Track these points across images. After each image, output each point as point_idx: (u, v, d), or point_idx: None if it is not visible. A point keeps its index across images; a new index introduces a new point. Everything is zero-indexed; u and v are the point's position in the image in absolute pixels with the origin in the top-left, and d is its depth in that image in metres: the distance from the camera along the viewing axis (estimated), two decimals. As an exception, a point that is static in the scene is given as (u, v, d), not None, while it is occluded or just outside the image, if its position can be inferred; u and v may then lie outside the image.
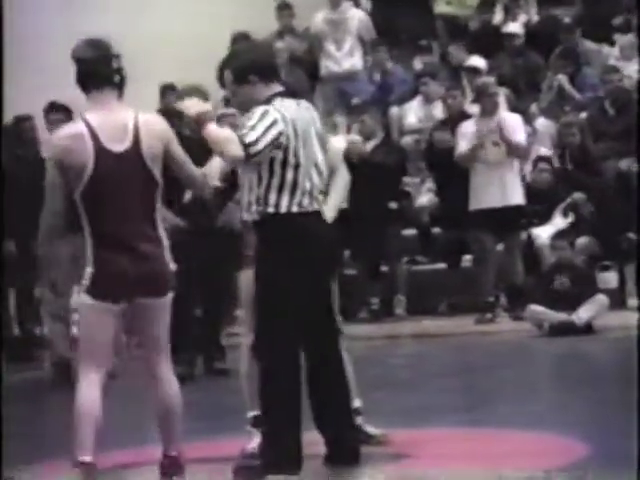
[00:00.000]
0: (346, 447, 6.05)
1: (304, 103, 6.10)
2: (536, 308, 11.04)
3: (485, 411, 7.61)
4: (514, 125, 11.74)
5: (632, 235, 11.68)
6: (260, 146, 5.80)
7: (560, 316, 10.89)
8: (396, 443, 6.42)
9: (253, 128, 5.80)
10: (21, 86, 12.99)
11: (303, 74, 13.44)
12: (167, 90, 13.42)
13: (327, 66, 14.32)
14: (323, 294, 6.08)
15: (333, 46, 14.35)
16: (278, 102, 5.94)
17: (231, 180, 6.41)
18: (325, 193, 6.37)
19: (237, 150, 5.76)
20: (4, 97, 12.43)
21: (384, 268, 12.42)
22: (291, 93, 6.08)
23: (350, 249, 11.97)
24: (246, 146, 5.77)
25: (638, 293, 11.61)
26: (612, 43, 13.63)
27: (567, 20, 14.05)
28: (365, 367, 7.74)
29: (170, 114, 12.84)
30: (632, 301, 11.63)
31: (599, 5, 14.11)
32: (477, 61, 13.32)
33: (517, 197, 11.69)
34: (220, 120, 7.97)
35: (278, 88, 6.01)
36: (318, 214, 6.05)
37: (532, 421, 6.98)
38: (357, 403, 6.43)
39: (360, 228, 11.72)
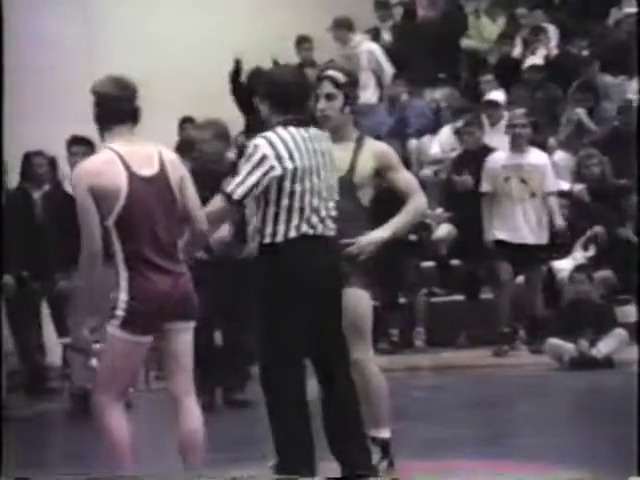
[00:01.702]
0: (359, 471, 6.01)
1: (314, 131, 6.04)
2: (556, 341, 11.02)
3: (504, 444, 7.59)
4: (550, 173, 11.74)
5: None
6: (240, 192, 5.87)
7: (580, 350, 10.86)
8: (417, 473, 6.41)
9: (238, 172, 5.89)
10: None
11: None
12: (185, 123, 13.49)
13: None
14: (328, 317, 6.04)
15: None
16: (278, 131, 5.94)
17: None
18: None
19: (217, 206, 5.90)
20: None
21: (402, 300, 12.41)
22: (301, 122, 6.02)
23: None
24: (228, 196, 5.88)
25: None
26: (627, 77, 13.63)
27: (585, 54, 14.07)
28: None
29: (188, 145, 12.99)
30: (651, 335, 11.61)
31: (618, 39, 14.13)
32: (497, 95, 13.33)
33: (540, 236, 11.66)
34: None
35: (288, 116, 5.98)
36: (321, 239, 5.99)
37: (552, 454, 6.96)
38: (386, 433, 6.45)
39: (379, 259, 11.68)
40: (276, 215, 5.91)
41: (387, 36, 15.46)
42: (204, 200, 9.36)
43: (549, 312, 11.63)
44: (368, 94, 14.37)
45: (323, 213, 5.99)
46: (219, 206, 5.96)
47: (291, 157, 5.91)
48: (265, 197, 5.91)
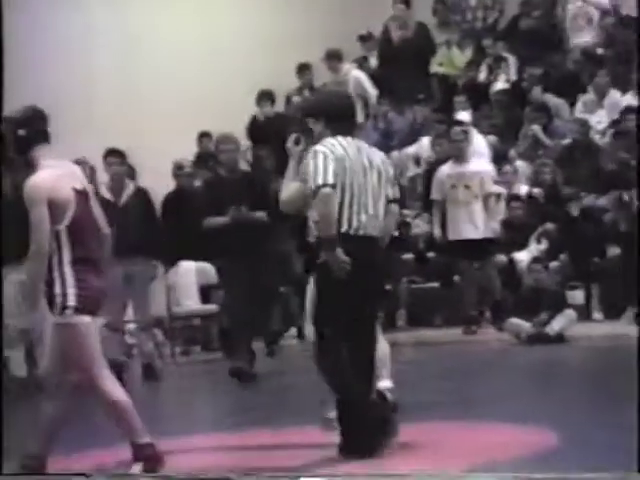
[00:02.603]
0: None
1: (357, 142, 6.09)
2: (515, 321, 11.07)
3: (474, 407, 7.63)
4: (488, 177, 11.79)
5: (596, 259, 11.73)
6: (330, 178, 5.85)
7: (536, 328, 10.92)
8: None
9: (317, 170, 5.85)
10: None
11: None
12: (204, 137, 13.50)
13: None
14: (365, 307, 6.02)
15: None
16: (329, 140, 5.97)
17: None
18: None
19: (323, 200, 5.81)
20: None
21: (388, 287, 12.45)
22: (347, 133, 6.06)
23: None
24: (322, 186, 5.83)
25: (602, 308, 11.65)
26: (573, 99, 13.64)
27: (537, 78, 14.07)
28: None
29: (207, 157, 13.01)
30: (596, 315, 11.67)
31: (566, 67, 14.20)
32: (463, 115, 13.38)
33: (486, 231, 11.68)
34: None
35: (337, 129, 6.02)
36: (364, 238, 5.97)
37: (515, 416, 7.00)
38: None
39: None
40: (338, 210, 5.89)
41: (373, 62, 15.47)
42: (219, 205, 9.45)
43: (510, 296, 11.69)
44: (354, 114, 14.38)
45: (370, 210, 5.98)
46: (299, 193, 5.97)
47: (343, 158, 5.93)
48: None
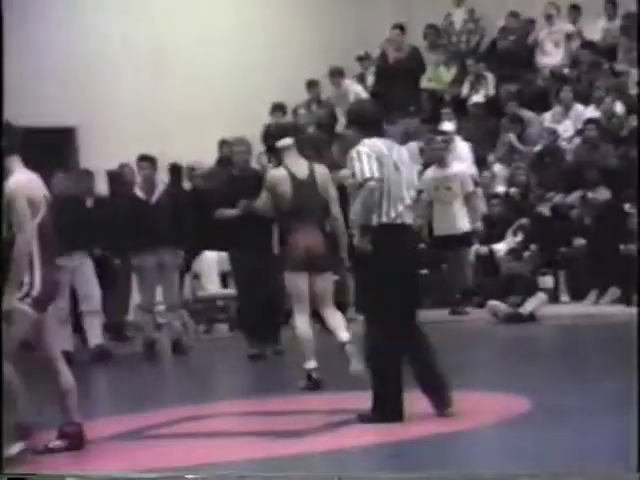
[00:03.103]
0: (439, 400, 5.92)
1: (388, 141, 6.03)
2: (494, 302, 11.08)
3: (460, 378, 7.62)
4: (467, 178, 11.79)
5: (563, 249, 11.73)
6: (374, 171, 5.81)
7: (511, 308, 10.93)
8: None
9: (362, 165, 5.82)
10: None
11: (322, 133, 13.46)
12: (224, 144, 13.47)
13: (337, 127, 14.39)
14: (406, 288, 5.88)
15: (340, 113, 14.38)
16: (367, 141, 5.93)
17: None
18: None
19: (369, 191, 5.78)
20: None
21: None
22: (379, 136, 6.00)
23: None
24: (369, 179, 5.80)
25: (568, 291, 11.65)
26: (543, 111, 13.61)
27: (512, 93, 14.06)
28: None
29: (226, 161, 12.98)
30: (564, 297, 11.68)
31: (536, 84, 14.19)
32: (447, 125, 13.38)
33: (464, 226, 11.66)
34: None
35: (370, 133, 5.97)
36: (401, 227, 5.88)
37: (494, 383, 7.01)
38: None
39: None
40: (377, 202, 5.82)
41: (370, 78, 15.45)
42: (232, 199, 9.37)
43: (490, 281, 11.67)
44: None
45: (406, 201, 5.92)
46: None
47: (381, 156, 5.87)
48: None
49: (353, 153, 5.91)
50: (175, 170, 12.64)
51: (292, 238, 7.36)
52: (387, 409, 5.80)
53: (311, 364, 7.23)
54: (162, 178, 10.90)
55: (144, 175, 10.50)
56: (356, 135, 6.03)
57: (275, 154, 7.66)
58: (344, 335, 7.25)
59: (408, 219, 5.94)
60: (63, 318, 9.76)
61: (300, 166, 7.51)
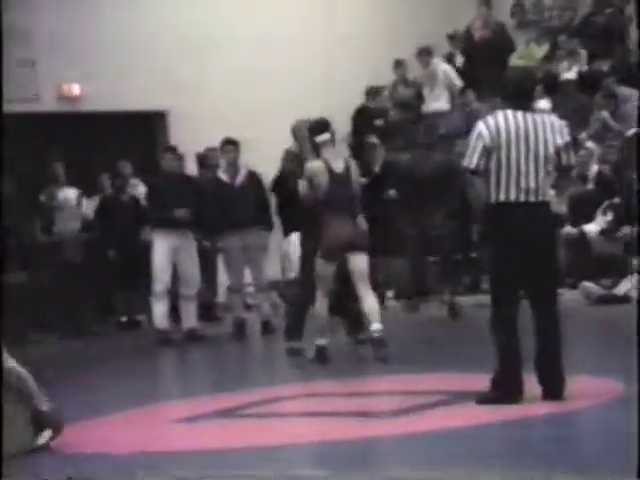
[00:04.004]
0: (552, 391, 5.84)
1: (530, 115, 5.83)
2: (587, 284, 10.98)
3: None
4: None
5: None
6: (467, 161, 5.80)
7: (604, 290, 10.81)
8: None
9: (468, 150, 5.82)
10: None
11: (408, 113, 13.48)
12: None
13: (423, 107, 14.36)
14: (536, 268, 5.76)
15: (427, 92, 14.36)
16: (498, 113, 5.82)
17: None
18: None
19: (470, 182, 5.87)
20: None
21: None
22: (519, 107, 5.83)
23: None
24: (470, 170, 5.82)
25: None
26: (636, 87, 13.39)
27: (606, 69, 13.89)
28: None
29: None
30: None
31: (629, 60, 13.96)
32: (542, 103, 13.24)
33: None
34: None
35: (510, 104, 5.84)
36: (526, 205, 5.74)
37: (582, 366, 6.95)
38: None
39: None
40: (496, 181, 5.76)
41: (459, 58, 15.38)
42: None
43: (583, 262, 11.54)
44: (441, 103, 14.36)
45: (531, 180, 5.76)
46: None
47: (499, 133, 5.75)
48: (487, 166, 5.79)
49: (476, 128, 5.82)
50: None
51: (326, 227, 7.88)
52: (507, 391, 5.77)
53: (322, 341, 7.97)
54: (246, 162, 11.00)
55: (229, 159, 10.63)
56: (502, 104, 5.86)
57: (315, 147, 8.14)
58: (376, 325, 7.73)
59: (533, 197, 5.75)
60: (236, 289, 10.58)
61: (337, 160, 8.04)
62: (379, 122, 14.05)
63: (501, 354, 5.76)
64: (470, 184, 5.96)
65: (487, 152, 5.76)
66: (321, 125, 8.19)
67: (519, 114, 5.82)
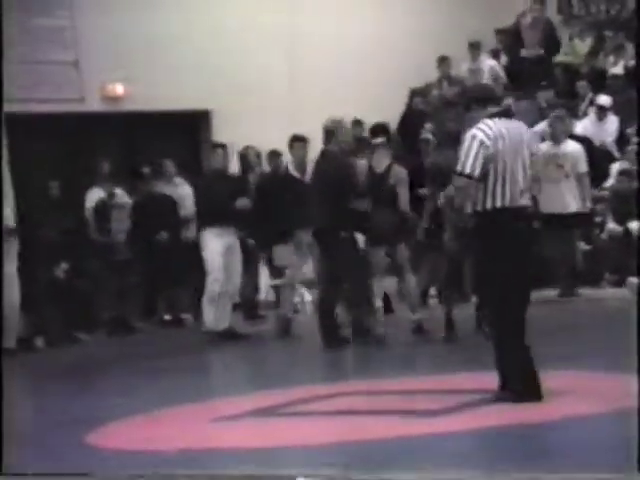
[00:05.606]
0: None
1: (515, 123, 6.00)
2: (634, 280, 10.88)
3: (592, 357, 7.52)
4: (581, 158, 11.53)
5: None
6: (468, 168, 5.82)
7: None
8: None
9: (467, 157, 5.82)
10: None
11: (456, 113, 13.38)
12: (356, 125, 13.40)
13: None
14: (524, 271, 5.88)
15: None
16: (488, 121, 5.90)
17: None
18: None
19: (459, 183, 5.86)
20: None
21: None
22: (505, 114, 6.00)
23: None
24: (468, 176, 5.81)
25: None
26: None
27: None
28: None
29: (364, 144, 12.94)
30: None
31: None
32: (602, 99, 13.17)
33: (573, 206, 11.46)
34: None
35: (494, 110, 5.96)
36: (520, 209, 5.88)
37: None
38: None
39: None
40: (491, 187, 5.82)
41: (503, 56, 15.33)
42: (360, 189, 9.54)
43: (630, 260, 11.42)
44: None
45: (520, 186, 5.88)
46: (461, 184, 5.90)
47: (496, 140, 5.84)
48: (486, 173, 5.85)
49: (468, 135, 5.88)
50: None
51: (370, 220, 8.85)
52: (527, 388, 5.81)
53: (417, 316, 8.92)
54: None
55: (297, 155, 10.65)
56: (481, 114, 5.96)
57: (361, 148, 9.35)
58: (416, 315, 9.01)
59: (524, 201, 5.90)
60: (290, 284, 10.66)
61: (381, 162, 9.00)
62: (429, 125, 13.96)
63: (519, 355, 5.80)
64: (458, 188, 5.91)
65: (487, 160, 5.81)
66: (379, 128, 9.23)
67: (505, 121, 5.92)
